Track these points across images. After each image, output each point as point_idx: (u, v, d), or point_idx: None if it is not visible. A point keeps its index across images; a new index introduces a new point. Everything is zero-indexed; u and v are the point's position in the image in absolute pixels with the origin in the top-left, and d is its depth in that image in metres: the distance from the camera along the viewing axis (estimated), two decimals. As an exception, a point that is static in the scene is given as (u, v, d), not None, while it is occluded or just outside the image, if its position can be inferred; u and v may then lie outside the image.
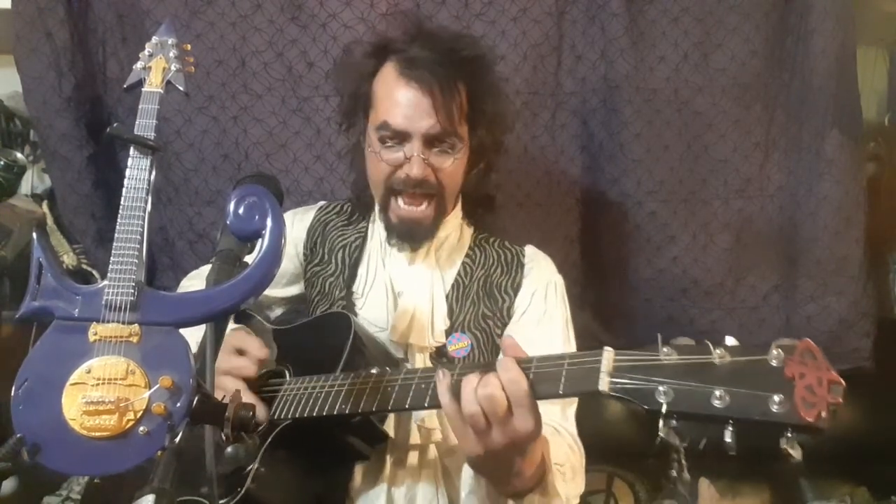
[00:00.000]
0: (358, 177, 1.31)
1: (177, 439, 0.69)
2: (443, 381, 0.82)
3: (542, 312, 1.19)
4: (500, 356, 0.82)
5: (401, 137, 1.13)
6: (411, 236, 1.19)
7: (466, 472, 0.96)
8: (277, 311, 1.41)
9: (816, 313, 1.76)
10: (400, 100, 1.12)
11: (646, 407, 0.67)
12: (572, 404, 1.13)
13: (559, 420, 1.08)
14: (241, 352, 1.04)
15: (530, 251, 1.27)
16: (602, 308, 1.83)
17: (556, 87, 1.73)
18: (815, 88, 1.67)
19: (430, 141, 1.13)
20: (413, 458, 1.10)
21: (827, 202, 1.70)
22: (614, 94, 1.69)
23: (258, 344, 1.05)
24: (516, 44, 1.67)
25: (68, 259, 1.84)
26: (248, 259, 0.79)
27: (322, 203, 1.41)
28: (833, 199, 1.69)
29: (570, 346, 1.19)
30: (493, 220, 1.32)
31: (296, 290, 1.37)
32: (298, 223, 1.36)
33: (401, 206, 1.16)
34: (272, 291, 1.37)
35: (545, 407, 1.04)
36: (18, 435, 0.69)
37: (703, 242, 1.76)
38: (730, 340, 0.68)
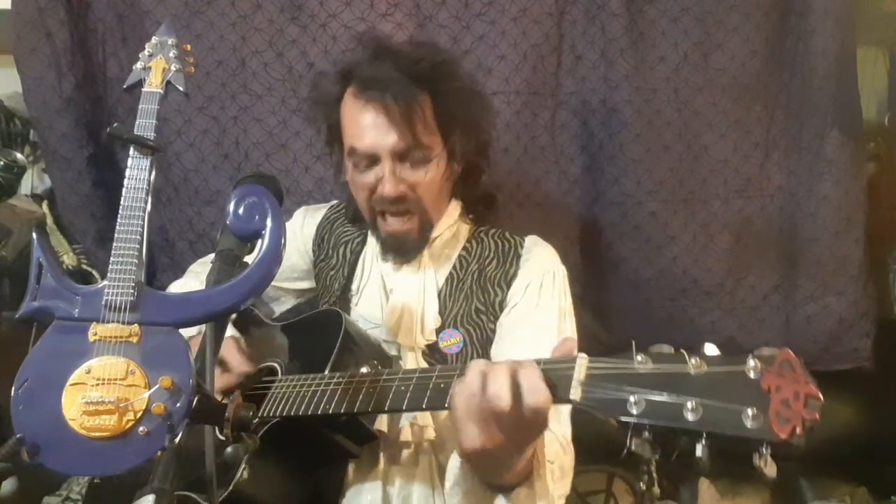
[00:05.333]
0: (349, 197, 1.31)
1: (177, 439, 0.69)
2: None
3: (534, 306, 1.16)
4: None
5: (371, 159, 1.14)
6: (401, 250, 1.20)
7: (453, 463, 0.95)
8: (289, 305, 1.43)
9: (816, 313, 1.75)
10: (362, 123, 1.14)
11: (617, 418, 0.65)
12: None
13: (552, 421, 1.07)
14: (222, 364, 1.10)
15: (530, 241, 1.25)
16: (602, 308, 1.83)
17: (556, 87, 1.73)
18: (815, 88, 1.67)
19: (400, 157, 1.13)
20: (407, 455, 1.10)
21: (827, 202, 1.69)
22: (614, 94, 1.69)
23: (241, 359, 1.11)
24: (516, 44, 1.67)
25: (68, 259, 1.84)
26: (249, 259, 0.79)
27: (334, 202, 1.43)
28: (833, 199, 1.69)
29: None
30: (493, 219, 1.32)
31: (306, 284, 1.40)
32: (309, 219, 1.39)
33: (388, 221, 1.18)
34: (284, 284, 1.40)
35: None
36: (18, 435, 0.69)
37: (703, 242, 1.76)
38: (709, 348, 0.65)
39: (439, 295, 1.19)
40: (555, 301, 1.17)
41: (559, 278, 1.20)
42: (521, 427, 0.74)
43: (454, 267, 1.22)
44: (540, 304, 1.16)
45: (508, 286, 1.18)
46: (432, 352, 1.16)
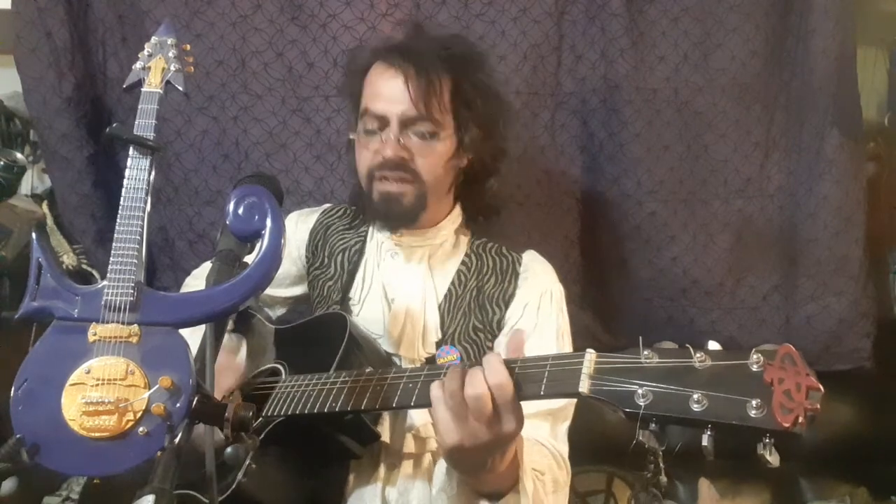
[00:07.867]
0: (356, 181, 1.31)
1: (176, 439, 0.69)
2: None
3: (534, 326, 1.16)
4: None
5: (381, 123, 1.16)
6: (388, 214, 1.19)
7: (439, 469, 0.96)
8: (281, 311, 1.42)
9: (816, 313, 1.75)
10: (379, 85, 1.16)
11: (625, 409, 0.67)
12: (565, 421, 1.11)
13: (547, 438, 1.07)
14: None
15: (528, 258, 1.24)
16: (602, 308, 1.83)
17: (556, 87, 1.73)
18: (815, 88, 1.67)
19: (407, 124, 1.14)
20: (407, 464, 1.10)
21: (827, 202, 1.69)
22: (614, 94, 1.69)
23: (231, 359, 1.11)
24: (516, 44, 1.67)
25: (68, 259, 1.84)
26: (248, 259, 0.79)
27: (327, 206, 1.42)
28: (833, 199, 1.69)
29: None
30: (492, 228, 1.32)
31: (299, 290, 1.38)
32: (302, 225, 1.37)
33: (382, 182, 1.17)
34: (275, 291, 1.37)
35: (535, 424, 1.05)
36: (18, 435, 0.69)
37: (703, 242, 1.76)
38: (712, 345, 0.68)
39: (439, 308, 1.18)
40: (553, 322, 1.18)
41: (556, 297, 1.21)
42: (495, 420, 0.77)
43: (453, 283, 1.21)
44: (539, 326, 1.17)
45: (507, 305, 1.19)
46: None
